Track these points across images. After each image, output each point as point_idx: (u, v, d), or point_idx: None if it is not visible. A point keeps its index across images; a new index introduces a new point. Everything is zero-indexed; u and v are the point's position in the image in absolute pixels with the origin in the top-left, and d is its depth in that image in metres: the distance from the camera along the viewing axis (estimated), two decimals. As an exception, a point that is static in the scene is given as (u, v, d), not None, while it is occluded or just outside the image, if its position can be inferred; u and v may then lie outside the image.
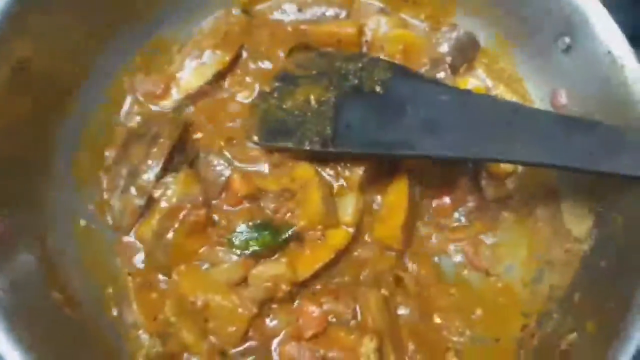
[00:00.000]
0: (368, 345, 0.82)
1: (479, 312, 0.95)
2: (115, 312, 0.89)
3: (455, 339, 0.93)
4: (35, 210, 0.86)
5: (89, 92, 0.97)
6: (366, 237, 0.95)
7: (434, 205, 1.00)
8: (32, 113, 0.87)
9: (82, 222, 0.93)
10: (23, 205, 0.83)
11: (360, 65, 0.95)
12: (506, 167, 0.98)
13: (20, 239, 0.80)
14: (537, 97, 1.01)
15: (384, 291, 0.90)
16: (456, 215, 1.00)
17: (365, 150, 0.91)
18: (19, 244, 0.80)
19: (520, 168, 1.00)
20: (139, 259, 0.93)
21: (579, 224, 0.92)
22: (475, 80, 1.06)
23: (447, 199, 1.00)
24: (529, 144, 0.81)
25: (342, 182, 0.96)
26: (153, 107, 1.02)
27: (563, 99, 0.96)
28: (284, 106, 0.97)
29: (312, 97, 0.95)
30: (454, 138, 0.85)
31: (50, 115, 0.92)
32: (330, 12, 1.08)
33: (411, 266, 0.96)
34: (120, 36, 1.00)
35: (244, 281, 0.88)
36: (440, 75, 1.05)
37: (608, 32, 0.87)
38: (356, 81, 0.94)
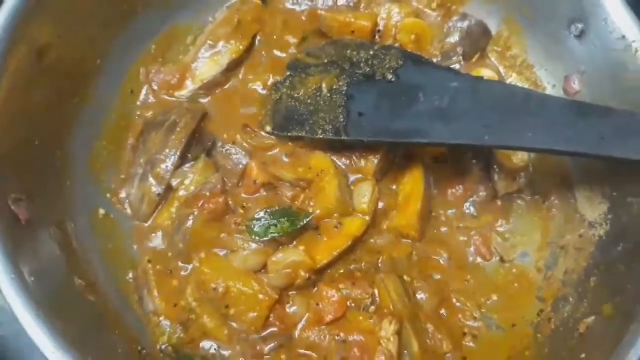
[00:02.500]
0: (387, 328, 0.83)
1: (494, 297, 0.95)
2: (136, 299, 0.89)
3: (471, 323, 0.93)
4: (54, 198, 0.87)
5: (106, 82, 0.98)
6: (383, 226, 0.96)
7: (448, 195, 1.01)
8: (51, 100, 0.88)
9: (101, 211, 0.94)
10: (42, 191, 0.83)
11: (371, 52, 0.95)
12: (518, 161, 0.98)
13: (42, 225, 0.80)
14: (549, 84, 1.02)
15: (405, 277, 0.91)
16: (466, 205, 1.00)
17: (378, 138, 0.91)
18: (40, 231, 0.80)
19: (532, 159, 1.00)
20: (158, 247, 0.93)
21: (593, 210, 0.93)
22: (487, 71, 1.06)
23: (460, 188, 1.01)
24: (540, 131, 0.81)
25: (357, 171, 0.97)
26: (168, 97, 1.02)
27: (576, 85, 0.96)
28: (296, 95, 0.97)
29: (323, 85, 0.95)
30: (465, 125, 0.85)
31: (68, 104, 0.92)
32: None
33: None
34: (136, 26, 1.00)
35: (263, 268, 0.88)
36: (453, 64, 1.06)
37: (621, 17, 0.87)
38: (368, 69, 0.94)
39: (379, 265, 0.93)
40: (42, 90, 0.85)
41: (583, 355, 0.78)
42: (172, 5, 1.04)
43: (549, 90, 1.01)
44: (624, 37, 0.87)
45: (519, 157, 0.98)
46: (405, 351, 0.85)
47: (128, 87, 1.01)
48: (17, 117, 0.81)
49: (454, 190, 1.01)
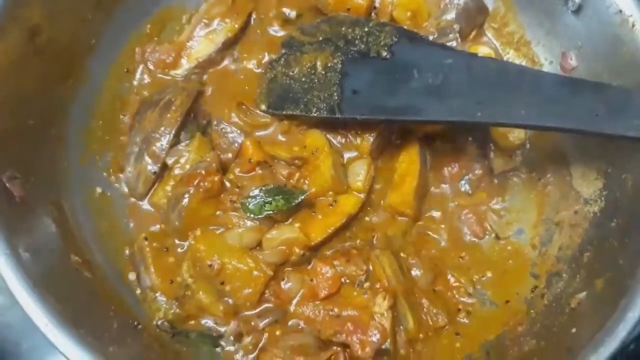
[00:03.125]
0: (381, 304, 0.84)
1: (489, 274, 0.96)
2: (132, 276, 0.90)
3: (465, 300, 0.94)
4: (50, 176, 0.88)
5: (100, 62, 0.98)
6: (379, 204, 0.97)
7: (444, 173, 1.01)
8: (45, 80, 0.88)
9: (98, 189, 0.95)
10: (38, 170, 0.84)
11: (366, 29, 0.95)
12: (514, 139, 0.98)
13: (38, 203, 0.81)
14: (546, 60, 1.02)
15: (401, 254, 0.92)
16: (462, 183, 1.01)
17: (373, 116, 0.91)
18: (37, 208, 0.81)
19: (529, 136, 1.00)
20: (154, 225, 0.94)
21: (588, 186, 0.93)
22: (484, 48, 1.05)
23: (455, 167, 1.01)
24: (532, 107, 0.81)
25: (352, 149, 0.97)
26: (164, 76, 1.02)
27: (573, 61, 0.96)
28: (291, 73, 0.97)
29: (318, 63, 0.95)
30: (460, 102, 0.85)
31: (62, 84, 0.93)
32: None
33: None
34: (128, 6, 1.00)
35: (258, 245, 0.89)
36: (450, 42, 1.05)
37: (619, -8, 0.86)
38: (362, 46, 0.94)
39: (374, 242, 0.93)
40: (36, 70, 0.86)
41: (574, 330, 0.79)
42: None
43: (547, 67, 1.01)
44: (620, 11, 0.86)
45: (515, 135, 0.98)
46: (400, 327, 0.86)
47: (123, 66, 1.02)
48: (11, 98, 0.82)
49: (449, 168, 1.01)
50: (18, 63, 0.82)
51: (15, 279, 0.68)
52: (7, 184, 0.76)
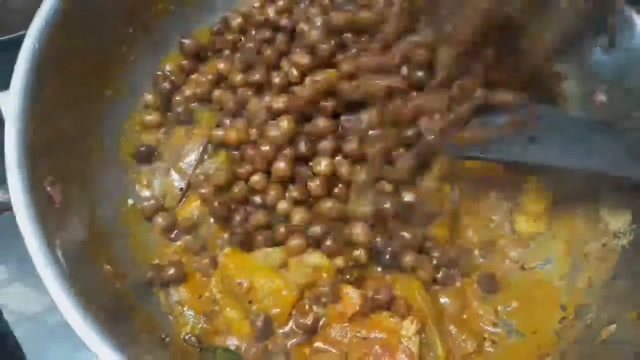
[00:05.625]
0: (409, 328, 0.83)
1: (514, 304, 0.95)
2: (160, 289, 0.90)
3: (490, 329, 0.93)
4: (86, 185, 0.88)
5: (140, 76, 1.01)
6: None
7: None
8: (83, 92, 0.91)
9: (130, 201, 0.95)
10: (74, 178, 0.85)
11: None
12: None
13: (75, 210, 0.82)
14: (574, 96, 1.03)
15: (424, 276, 0.91)
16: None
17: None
18: (75, 215, 0.82)
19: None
20: (182, 240, 0.94)
21: (617, 219, 0.93)
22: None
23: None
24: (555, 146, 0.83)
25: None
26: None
27: (602, 97, 0.97)
28: None
29: None
30: None
31: (97, 97, 0.95)
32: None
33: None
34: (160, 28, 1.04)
35: (286, 264, 0.89)
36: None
37: (649, 29, 0.88)
38: None
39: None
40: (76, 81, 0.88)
41: (606, 362, 0.78)
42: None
43: (576, 102, 1.02)
44: (651, 49, 0.88)
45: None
46: (430, 353, 0.85)
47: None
48: (54, 109, 0.84)
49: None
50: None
51: (54, 282, 0.68)
52: (49, 188, 0.76)
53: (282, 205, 0.90)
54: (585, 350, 0.84)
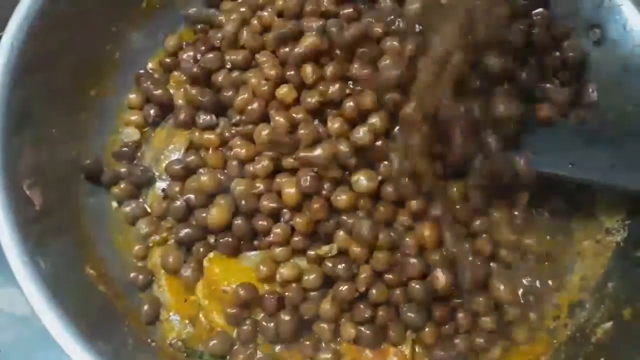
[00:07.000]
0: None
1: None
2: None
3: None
4: (68, 188, 0.87)
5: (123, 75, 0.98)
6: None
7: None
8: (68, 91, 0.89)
9: (114, 204, 0.93)
10: (57, 181, 0.84)
11: None
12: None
13: (56, 212, 0.80)
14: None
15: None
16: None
17: None
18: (56, 218, 0.80)
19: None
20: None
21: (611, 216, 0.92)
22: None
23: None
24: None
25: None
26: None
27: (593, 94, 0.96)
28: None
29: None
30: None
31: (81, 97, 0.93)
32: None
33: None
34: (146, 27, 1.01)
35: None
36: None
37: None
38: None
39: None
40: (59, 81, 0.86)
41: (602, 360, 0.77)
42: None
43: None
44: (642, 44, 0.87)
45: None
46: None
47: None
48: (35, 110, 0.82)
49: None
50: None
51: (33, 287, 0.66)
52: (28, 192, 0.74)
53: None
54: (581, 350, 0.83)
